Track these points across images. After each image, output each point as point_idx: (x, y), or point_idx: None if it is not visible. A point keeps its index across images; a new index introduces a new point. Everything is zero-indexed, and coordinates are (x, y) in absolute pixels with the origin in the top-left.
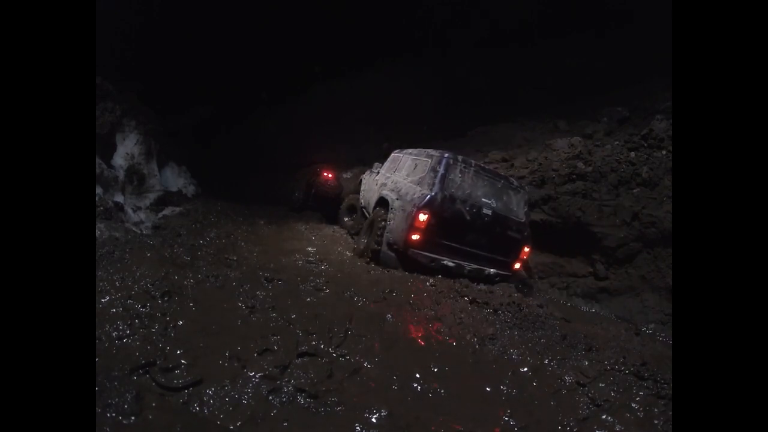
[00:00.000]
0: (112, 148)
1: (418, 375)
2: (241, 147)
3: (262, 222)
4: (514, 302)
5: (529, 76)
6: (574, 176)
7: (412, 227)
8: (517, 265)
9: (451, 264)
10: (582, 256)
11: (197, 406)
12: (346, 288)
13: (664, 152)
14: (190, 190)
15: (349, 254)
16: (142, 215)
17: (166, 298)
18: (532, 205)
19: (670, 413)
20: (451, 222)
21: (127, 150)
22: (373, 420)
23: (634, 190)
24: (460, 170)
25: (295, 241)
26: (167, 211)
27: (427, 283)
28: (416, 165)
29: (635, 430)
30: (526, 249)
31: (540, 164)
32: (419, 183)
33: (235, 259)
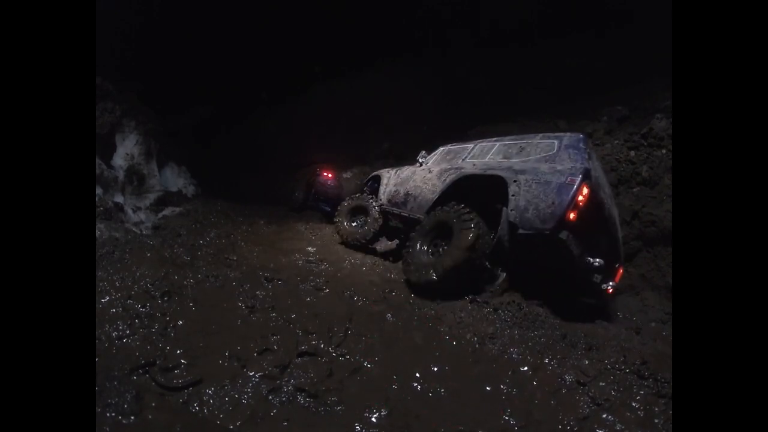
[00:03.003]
0: (112, 149)
1: (418, 374)
2: (241, 147)
3: (262, 222)
4: (514, 301)
5: (529, 76)
6: None
7: (570, 202)
8: (611, 289)
9: (598, 263)
10: None
11: (197, 405)
12: (346, 288)
13: (663, 151)
14: (190, 190)
15: (346, 251)
16: (142, 215)
17: (165, 298)
18: None
19: (671, 412)
20: (596, 210)
21: (126, 150)
22: (373, 419)
23: (634, 189)
24: (596, 157)
25: (295, 241)
26: (167, 212)
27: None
28: (523, 148)
29: (636, 428)
30: (621, 270)
31: None
32: (551, 161)
33: (235, 259)
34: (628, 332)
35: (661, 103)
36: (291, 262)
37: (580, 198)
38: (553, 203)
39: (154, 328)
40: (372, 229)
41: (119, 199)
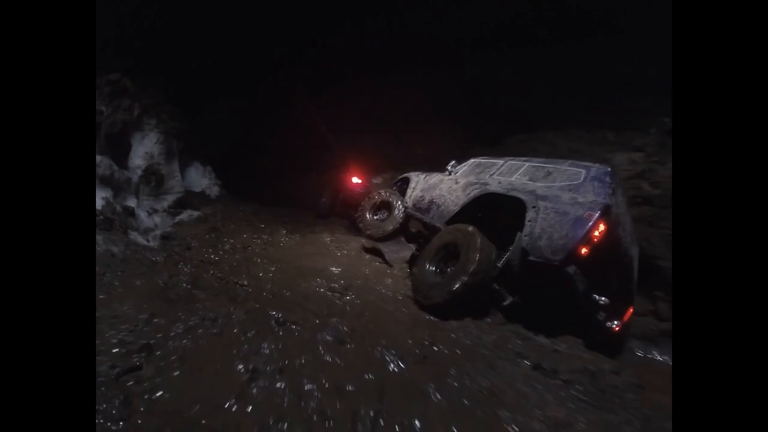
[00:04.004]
0: (127, 148)
1: None
2: (269, 147)
3: (284, 231)
4: (586, 368)
5: (570, 81)
6: (639, 199)
7: (584, 237)
8: (617, 328)
9: (603, 301)
10: (643, 292)
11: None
12: (376, 339)
13: None
14: (214, 191)
15: (374, 272)
16: (157, 219)
17: (143, 354)
18: None
19: None
20: (612, 247)
21: (146, 149)
22: None
23: None
24: (621, 192)
25: (317, 258)
26: (184, 215)
27: (472, 330)
28: (550, 173)
29: None
30: (630, 312)
31: None
32: (574, 190)
33: (245, 284)
34: None
35: None
36: (311, 290)
37: (595, 234)
38: (566, 235)
39: (120, 409)
40: (392, 226)
41: (131, 202)
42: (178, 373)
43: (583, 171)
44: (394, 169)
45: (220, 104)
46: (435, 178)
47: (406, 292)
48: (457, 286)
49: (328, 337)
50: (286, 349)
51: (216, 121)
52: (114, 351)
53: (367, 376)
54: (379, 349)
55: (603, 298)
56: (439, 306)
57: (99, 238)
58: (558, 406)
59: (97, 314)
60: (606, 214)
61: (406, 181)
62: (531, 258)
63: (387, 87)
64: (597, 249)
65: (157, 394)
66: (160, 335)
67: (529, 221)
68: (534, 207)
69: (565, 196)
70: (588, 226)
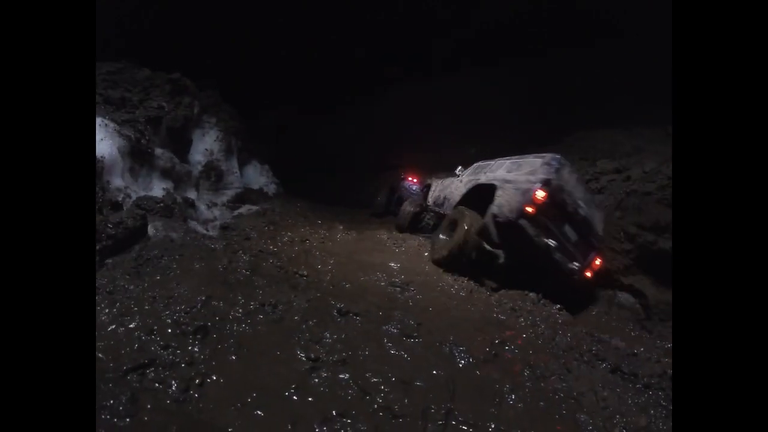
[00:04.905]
0: (187, 143)
1: None
2: (326, 148)
3: (341, 227)
4: (666, 373)
5: (629, 76)
6: None
7: (529, 201)
8: (588, 273)
9: (552, 243)
10: None
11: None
12: (443, 334)
13: None
14: (272, 188)
15: (434, 269)
16: (216, 212)
17: (199, 337)
18: (661, 229)
19: None
20: (557, 207)
21: (206, 146)
22: None
23: None
24: (568, 170)
25: (376, 253)
26: (243, 209)
27: (545, 330)
28: (520, 165)
29: None
30: (598, 261)
31: (670, 178)
32: (531, 173)
33: (305, 275)
34: None
35: None
36: (371, 284)
37: (539, 197)
38: (519, 201)
39: (171, 387)
40: (406, 218)
41: (191, 194)
42: (234, 357)
43: (540, 160)
44: (449, 169)
45: (277, 108)
46: (448, 180)
47: (469, 288)
48: (455, 243)
49: (393, 330)
50: (349, 340)
51: (274, 123)
52: (168, 331)
53: (435, 372)
54: (447, 344)
55: (552, 241)
56: (446, 258)
57: (158, 223)
58: (639, 411)
59: (152, 294)
60: (546, 184)
61: (428, 186)
62: (498, 219)
63: (441, 91)
64: (540, 208)
65: (208, 380)
66: (217, 318)
67: (497, 197)
68: (501, 188)
69: (522, 178)
70: (531, 194)
